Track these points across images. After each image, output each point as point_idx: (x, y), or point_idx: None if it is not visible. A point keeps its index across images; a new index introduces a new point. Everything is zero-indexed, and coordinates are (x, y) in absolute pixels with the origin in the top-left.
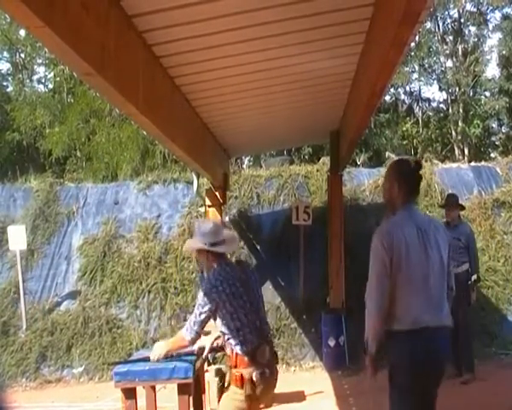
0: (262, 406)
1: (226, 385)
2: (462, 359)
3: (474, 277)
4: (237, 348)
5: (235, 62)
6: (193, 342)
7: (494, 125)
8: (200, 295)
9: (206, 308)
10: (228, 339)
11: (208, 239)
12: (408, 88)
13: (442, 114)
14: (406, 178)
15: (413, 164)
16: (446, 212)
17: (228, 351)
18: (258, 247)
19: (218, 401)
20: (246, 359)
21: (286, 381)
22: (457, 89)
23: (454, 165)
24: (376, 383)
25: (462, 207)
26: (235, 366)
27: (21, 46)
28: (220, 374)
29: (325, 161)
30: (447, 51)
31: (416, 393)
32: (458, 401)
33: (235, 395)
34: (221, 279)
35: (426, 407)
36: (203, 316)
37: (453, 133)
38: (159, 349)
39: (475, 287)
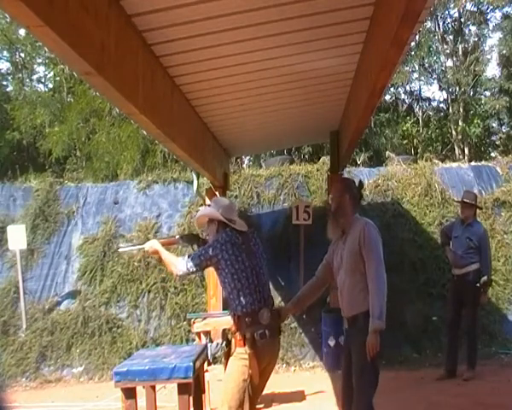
0: (268, 368)
1: (232, 351)
2: (458, 357)
3: (485, 278)
4: (238, 310)
5: (234, 62)
6: (181, 276)
7: (494, 125)
8: (205, 246)
9: (207, 255)
10: (230, 300)
11: (225, 212)
12: (408, 87)
13: (442, 114)
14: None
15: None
16: (461, 209)
17: (230, 316)
18: None
19: (225, 367)
20: (246, 319)
21: (286, 381)
22: (458, 88)
23: (454, 164)
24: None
25: (478, 207)
26: (238, 329)
27: (21, 45)
28: (226, 341)
29: (325, 160)
30: (447, 51)
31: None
32: (458, 401)
33: (239, 354)
34: (226, 240)
35: None
36: (202, 258)
37: (453, 133)
38: (154, 245)
39: (485, 289)
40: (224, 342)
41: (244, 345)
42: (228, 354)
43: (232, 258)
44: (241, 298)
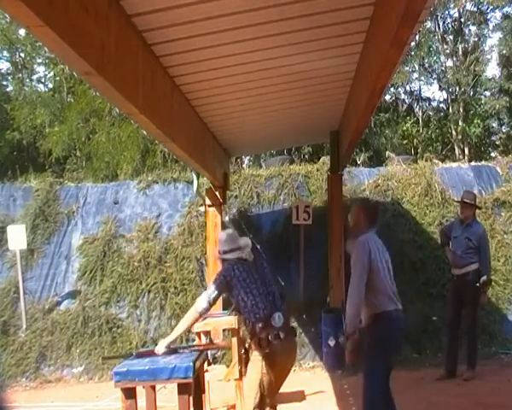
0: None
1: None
2: (458, 357)
3: (484, 278)
4: (252, 317)
5: (234, 62)
6: (205, 308)
7: (494, 125)
8: (218, 273)
9: (222, 278)
10: (245, 313)
11: (221, 247)
12: (408, 87)
13: (442, 114)
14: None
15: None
16: (460, 209)
17: (246, 325)
18: (259, 246)
19: (245, 374)
20: (260, 324)
21: (286, 381)
22: (458, 88)
23: (454, 164)
24: None
25: (478, 207)
26: (253, 335)
27: (21, 45)
28: (244, 349)
29: (325, 160)
30: (447, 51)
31: (389, 356)
32: (458, 401)
33: (255, 357)
34: (236, 261)
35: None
36: (218, 281)
37: (453, 133)
38: (164, 343)
39: (485, 289)
40: (242, 350)
41: (260, 347)
42: (246, 361)
43: (244, 273)
44: (254, 307)
